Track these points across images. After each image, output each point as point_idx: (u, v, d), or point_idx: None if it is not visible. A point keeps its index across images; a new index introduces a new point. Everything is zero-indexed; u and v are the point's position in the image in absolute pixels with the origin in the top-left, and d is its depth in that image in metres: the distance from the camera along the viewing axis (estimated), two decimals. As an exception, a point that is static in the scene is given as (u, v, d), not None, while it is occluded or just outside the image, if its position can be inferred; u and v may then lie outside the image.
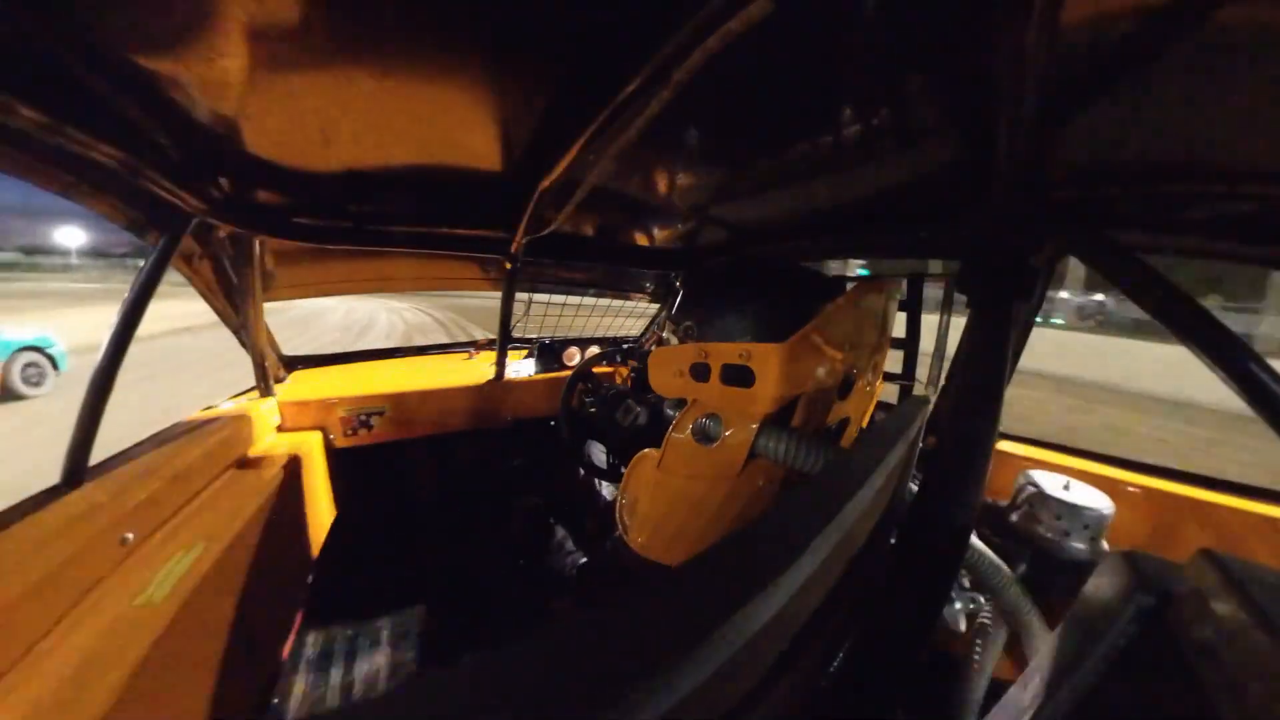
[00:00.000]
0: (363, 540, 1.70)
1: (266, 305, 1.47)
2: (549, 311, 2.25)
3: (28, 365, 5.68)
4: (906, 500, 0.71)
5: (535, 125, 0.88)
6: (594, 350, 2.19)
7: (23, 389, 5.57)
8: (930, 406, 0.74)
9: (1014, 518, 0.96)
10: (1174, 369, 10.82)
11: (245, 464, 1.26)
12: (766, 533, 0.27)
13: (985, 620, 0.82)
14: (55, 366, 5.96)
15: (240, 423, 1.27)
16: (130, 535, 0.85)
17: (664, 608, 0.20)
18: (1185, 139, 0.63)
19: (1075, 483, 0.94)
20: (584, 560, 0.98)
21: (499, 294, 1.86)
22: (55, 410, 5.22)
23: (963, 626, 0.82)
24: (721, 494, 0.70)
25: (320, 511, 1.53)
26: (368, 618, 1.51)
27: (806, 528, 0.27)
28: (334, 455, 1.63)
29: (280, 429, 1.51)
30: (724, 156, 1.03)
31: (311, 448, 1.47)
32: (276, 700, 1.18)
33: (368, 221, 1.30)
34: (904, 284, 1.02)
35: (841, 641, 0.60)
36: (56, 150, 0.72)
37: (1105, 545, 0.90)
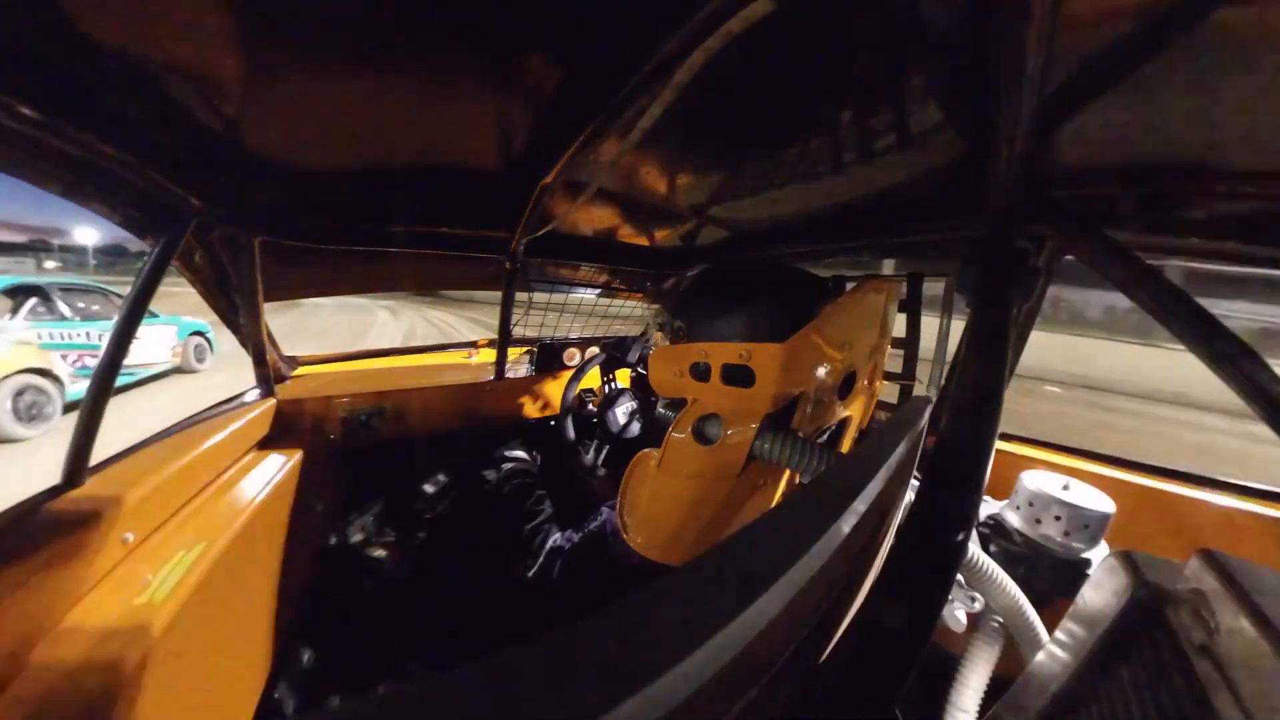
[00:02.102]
0: (363, 540, 1.70)
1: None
2: (549, 311, 2.25)
3: (196, 346, 7.51)
4: (908, 500, 0.71)
5: (535, 125, 0.88)
6: (594, 350, 2.18)
7: (194, 364, 7.47)
8: (931, 406, 0.74)
9: (1014, 518, 0.96)
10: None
11: (245, 464, 1.26)
12: (769, 534, 0.27)
13: (985, 620, 0.82)
14: (211, 348, 7.72)
15: (240, 422, 1.27)
16: (130, 535, 0.86)
17: (661, 611, 0.20)
18: (1185, 139, 0.63)
19: (1075, 483, 0.94)
20: (582, 560, 0.98)
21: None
22: (218, 378, 7.11)
23: (963, 627, 0.82)
24: (722, 494, 0.70)
25: (320, 511, 1.53)
26: (368, 617, 1.51)
27: (810, 529, 0.27)
28: (334, 455, 1.63)
29: (280, 428, 1.51)
30: (724, 156, 1.03)
31: (311, 448, 1.47)
32: (277, 698, 1.18)
33: (368, 221, 1.30)
34: (904, 284, 1.02)
35: (842, 642, 0.60)
36: (56, 150, 0.72)
37: (1105, 545, 0.90)
